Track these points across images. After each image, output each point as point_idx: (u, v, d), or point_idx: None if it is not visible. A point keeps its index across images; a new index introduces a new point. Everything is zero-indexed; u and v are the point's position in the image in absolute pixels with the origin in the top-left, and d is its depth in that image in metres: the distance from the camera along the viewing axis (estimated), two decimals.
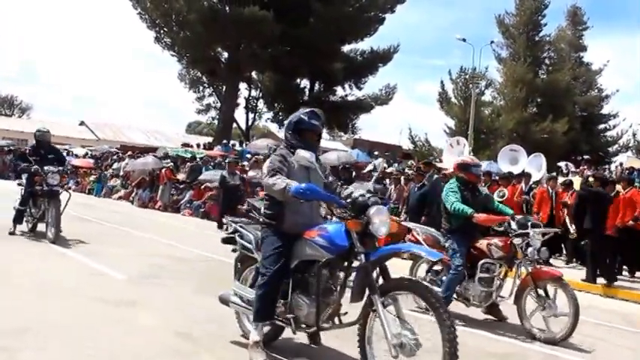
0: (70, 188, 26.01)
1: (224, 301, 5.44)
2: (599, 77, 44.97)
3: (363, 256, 4.37)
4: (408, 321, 4.27)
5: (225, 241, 5.60)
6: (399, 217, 14.20)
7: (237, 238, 5.42)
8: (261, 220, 5.09)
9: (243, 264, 5.52)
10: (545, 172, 15.85)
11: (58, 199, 10.70)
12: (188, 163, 22.80)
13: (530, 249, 6.87)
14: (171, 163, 23.05)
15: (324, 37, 32.88)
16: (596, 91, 45.01)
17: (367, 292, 4.40)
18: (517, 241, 6.96)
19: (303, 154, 4.68)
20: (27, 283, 7.01)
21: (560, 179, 14.99)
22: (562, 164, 21.89)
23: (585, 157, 28.65)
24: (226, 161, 22.23)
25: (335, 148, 37.51)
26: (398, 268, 8.11)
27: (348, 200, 4.59)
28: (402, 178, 16.13)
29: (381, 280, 4.48)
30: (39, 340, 4.92)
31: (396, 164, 21.89)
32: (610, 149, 44.44)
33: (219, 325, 5.94)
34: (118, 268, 8.35)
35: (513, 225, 7.07)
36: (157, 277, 8.21)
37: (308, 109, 5.11)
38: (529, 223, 7.06)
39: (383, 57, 38.10)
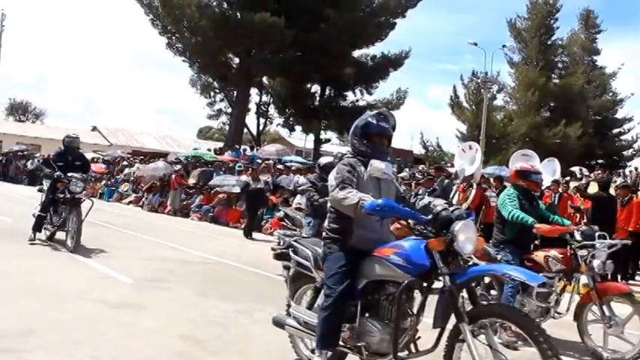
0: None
1: (278, 323, 4.94)
2: (613, 81, 44.62)
3: (447, 277, 3.90)
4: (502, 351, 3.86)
5: (278, 257, 5.19)
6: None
7: (292, 254, 4.96)
8: (323, 234, 4.60)
9: (296, 283, 5.09)
10: (558, 177, 15.68)
11: (79, 208, 10.28)
12: (198, 168, 22.86)
13: (595, 262, 6.31)
14: (182, 169, 23.14)
15: (334, 43, 32.84)
16: (610, 94, 44.62)
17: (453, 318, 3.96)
18: (582, 253, 6.39)
19: (378, 165, 4.37)
20: (34, 285, 7.09)
21: (574, 184, 14.87)
22: (576, 169, 21.69)
23: (599, 161, 28.44)
24: (236, 166, 22.33)
25: (345, 153, 37.48)
26: None
27: (429, 216, 4.09)
28: (413, 182, 16.05)
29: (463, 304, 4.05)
30: (44, 342, 4.97)
31: (407, 169, 21.82)
32: (625, 153, 44.07)
33: (224, 327, 6.03)
34: (124, 272, 8.43)
35: (577, 236, 6.49)
36: (163, 280, 8.27)
37: (375, 111, 4.67)
38: (596, 234, 6.55)
39: (394, 62, 37.98)
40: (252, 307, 6.97)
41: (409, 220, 4.39)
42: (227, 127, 42.33)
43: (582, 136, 39.19)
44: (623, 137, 44.88)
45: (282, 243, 5.20)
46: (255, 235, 15.50)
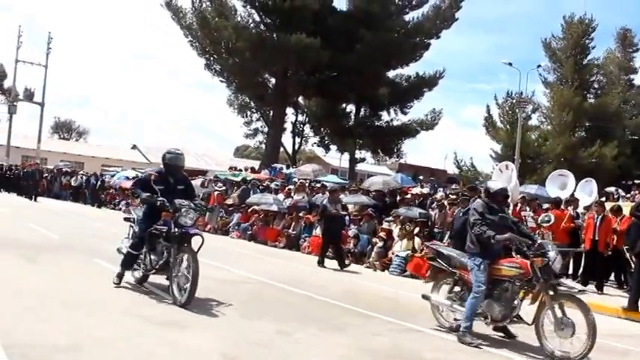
0: (121, 209, 27.31)
1: None
2: None
3: None
4: None
5: None
6: (442, 242, 14.28)
7: None
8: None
9: None
10: (595, 197, 15.69)
11: (191, 246, 7.85)
12: (236, 187, 23.27)
13: None
14: (224, 188, 23.60)
15: (369, 63, 33.29)
16: None
17: None
18: None
19: None
20: (81, 301, 7.24)
21: (610, 205, 14.83)
22: (612, 189, 21.60)
23: (636, 181, 28.23)
24: (272, 185, 22.72)
25: (380, 173, 37.75)
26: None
27: None
28: (447, 203, 16.10)
29: None
30: (91, 357, 5.15)
31: (440, 189, 21.95)
32: None
33: (265, 347, 6.05)
34: (167, 290, 8.25)
35: None
36: (206, 299, 8.18)
37: None
38: None
39: (428, 82, 38.28)
40: (294, 327, 7.02)
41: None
42: (263, 146, 42.89)
43: (618, 156, 38.83)
44: None
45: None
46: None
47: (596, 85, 43.55)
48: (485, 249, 7.37)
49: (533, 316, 7.01)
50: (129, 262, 8.43)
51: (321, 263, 14.21)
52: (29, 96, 46.67)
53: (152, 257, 8.17)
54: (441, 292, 8.08)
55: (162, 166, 8.64)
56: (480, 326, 7.48)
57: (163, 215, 8.05)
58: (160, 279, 8.39)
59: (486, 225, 7.36)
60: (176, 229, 7.83)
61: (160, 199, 8.01)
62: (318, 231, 16.92)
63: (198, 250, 7.71)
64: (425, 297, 8.11)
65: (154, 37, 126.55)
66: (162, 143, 57.38)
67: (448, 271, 7.95)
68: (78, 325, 6.07)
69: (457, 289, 7.84)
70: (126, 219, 9.22)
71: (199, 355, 5.58)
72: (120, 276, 8.43)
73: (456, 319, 7.60)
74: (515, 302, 7.21)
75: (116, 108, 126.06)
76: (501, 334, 7.57)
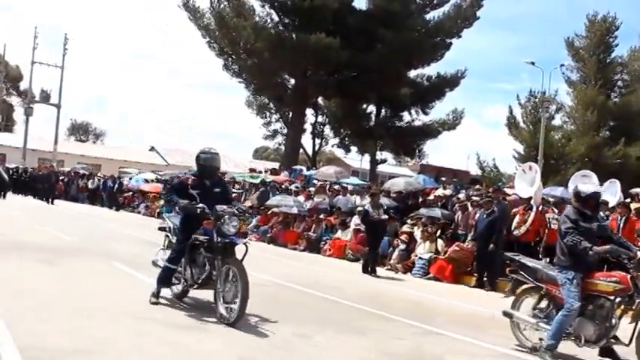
0: (140, 212, 27.31)
1: None
2: None
3: None
4: None
5: None
6: (464, 244, 14.02)
7: None
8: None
9: None
10: (620, 198, 15.29)
11: (236, 257, 7.11)
12: (254, 190, 23.11)
13: None
14: (241, 190, 23.46)
15: (390, 63, 32.97)
16: None
17: None
18: None
19: None
20: (94, 304, 7.14)
21: (635, 206, 14.44)
22: (638, 190, 21.06)
23: None
24: (292, 187, 22.47)
25: (402, 174, 37.42)
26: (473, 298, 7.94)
27: None
28: (469, 204, 15.78)
29: None
30: None
31: (463, 190, 21.59)
32: None
33: (283, 350, 5.96)
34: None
35: None
36: None
37: None
38: None
39: (450, 82, 37.94)
40: (313, 329, 6.93)
41: None
42: (283, 148, 42.75)
43: None
44: None
45: None
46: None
47: (620, 84, 42.73)
48: (577, 261, 6.58)
49: (631, 336, 6.29)
50: (167, 277, 7.62)
51: (374, 272, 13.75)
52: (45, 98, 46.91)
53: (193, 270, 7.43)
54: (522, 307, 7.31)
55: (197, 168, 7.83)
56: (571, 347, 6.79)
57: (204, 224, 7.35)
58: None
59: (580, 234, 6.56)
60: (219, 239, 7.08)
61: (200, 205, 7.18)
62: (339, 233, 16.84)
63: (242, 259, 7.01)
64: (506, 314, 7.31)
65: (154, 37, 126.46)
66: (181, 145, 57.74)
67: (533, 285, 7.16)
68: (91, 329, 5.98)
69: (542, 305, 7.06)
70: (160, 228, 8.61)
71: (217, 358, 5.59)
72: (157, 294, 7.61)
73: (540, 339, 6.80)
74: (613, 321, 6.39)
75: (116, 108, 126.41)
76: None
